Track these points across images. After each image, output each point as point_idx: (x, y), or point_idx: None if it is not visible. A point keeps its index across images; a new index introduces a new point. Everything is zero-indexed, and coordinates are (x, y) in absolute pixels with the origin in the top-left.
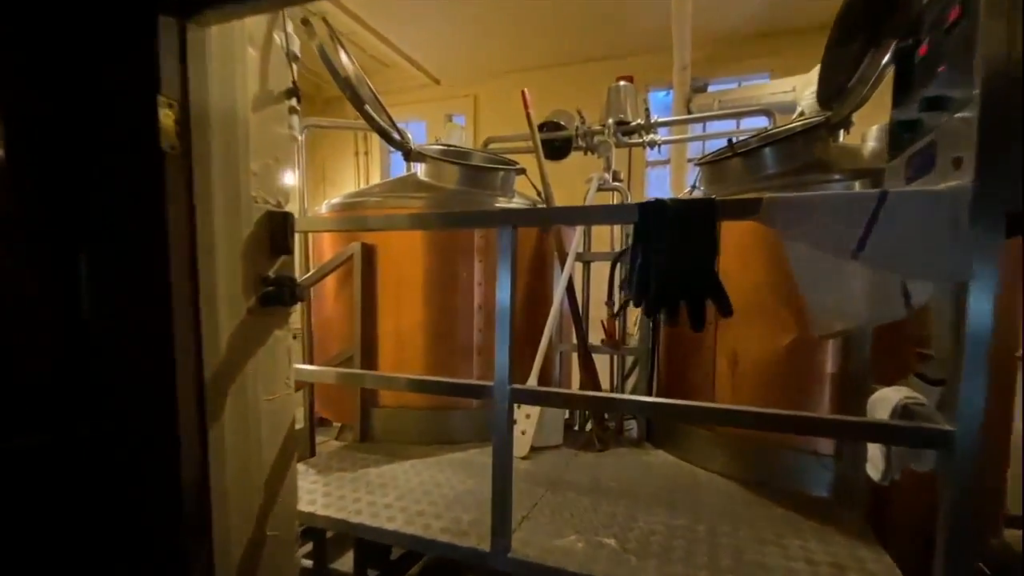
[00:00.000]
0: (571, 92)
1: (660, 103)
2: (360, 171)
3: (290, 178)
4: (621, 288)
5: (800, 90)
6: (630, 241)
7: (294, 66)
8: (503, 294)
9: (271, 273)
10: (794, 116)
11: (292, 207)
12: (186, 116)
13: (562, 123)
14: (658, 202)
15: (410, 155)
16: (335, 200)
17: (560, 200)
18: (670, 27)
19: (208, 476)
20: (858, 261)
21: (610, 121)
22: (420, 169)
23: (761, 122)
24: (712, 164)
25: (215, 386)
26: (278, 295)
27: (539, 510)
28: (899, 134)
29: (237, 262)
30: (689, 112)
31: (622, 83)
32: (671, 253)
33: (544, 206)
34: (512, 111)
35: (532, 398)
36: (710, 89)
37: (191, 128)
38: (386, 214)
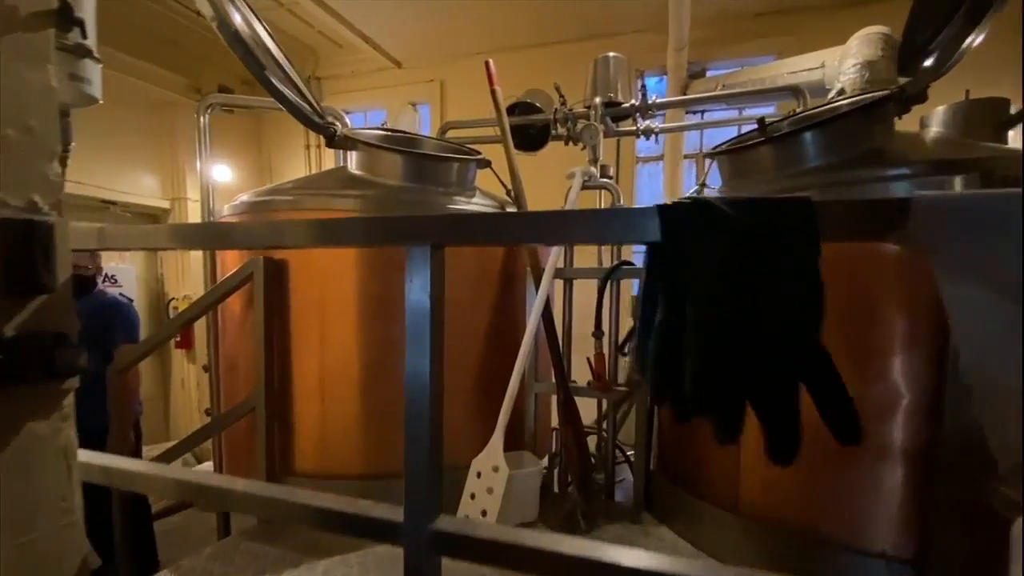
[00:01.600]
0: (550, 76)
1: (652, 90)
2: (310, 167)
3: (56, 166)
4: (624, 350)
5: (834, 65)
6: (643, 276)
7: None
8: (418, 362)
9: (8, 329)
10: (832, 95)
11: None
12: None
13: (537, 104)
14: (698, 205)
15: (334, 141)
16: (239, 199)
17: (534, 201)
18: (664, 3)
19: None
20: None
21: (597, 101)
22: (352, 160)
23: (766, 110)
24: (734, 153)
25: None
26: (19, 367)
27: None
28: None
29: None
30: None
31: (612, 55)
32: (730, 302)
33: (511, 209)
34: (484, 98)
35: (470, 548)
36: (709, 74)
37: None
38: (280, 220)
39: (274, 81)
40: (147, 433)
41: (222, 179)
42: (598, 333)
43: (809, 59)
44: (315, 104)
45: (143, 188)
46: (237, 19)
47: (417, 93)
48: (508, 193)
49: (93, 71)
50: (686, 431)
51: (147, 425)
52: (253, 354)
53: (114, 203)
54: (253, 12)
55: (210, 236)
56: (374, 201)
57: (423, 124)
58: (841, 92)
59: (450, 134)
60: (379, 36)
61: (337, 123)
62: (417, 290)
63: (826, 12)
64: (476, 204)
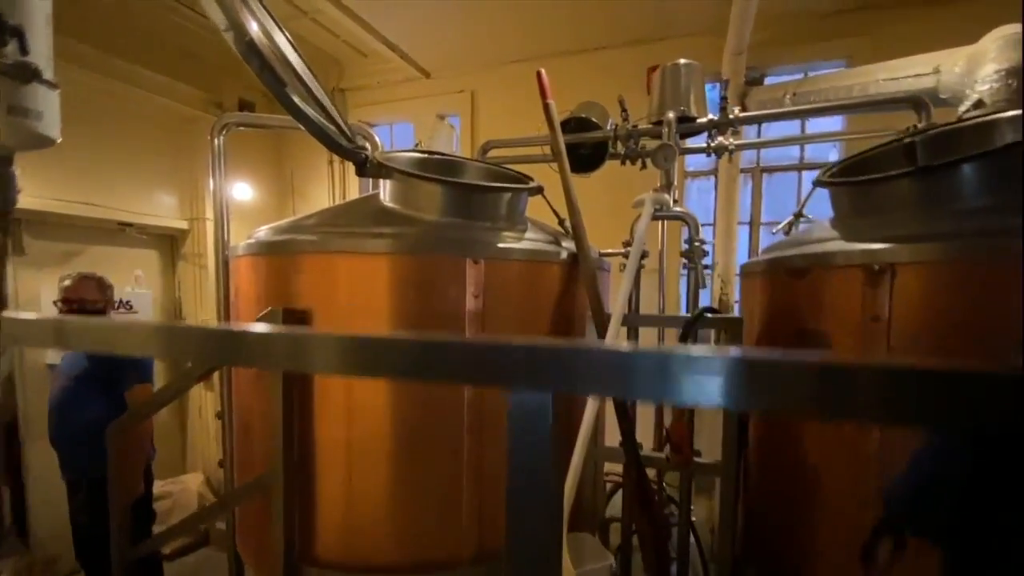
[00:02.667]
0: (592, 84)
1: None
2: (334, 185)
3: None
4: None
5: (953, 71)
6: None
7: None
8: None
9: None
10: (965, 108)
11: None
12: None
13: (593, 120)
14: None
15: (367, 168)
16: (257, 235)
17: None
18: (714, 4)
19: None
20: None
21: (671, 116)
22: (385, 189)
23: (826, 124)
24: (857, 186)
25: None
26: None
27: None
28: None
29: None
30: (744, 109)
31: (683, 62)
32: None
33: (567, 244)
34: (518, 110)
35: None
36: (768, 80)
37: None
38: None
39: (295, 99)
40: (162, 465)
41: (242, 197)
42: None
43: (915, 63)
44: (342, 124)
45: (161, 208)
46: (253, 28)
47: (446, 104)
48: (562, 224)
49: (45, 101)
50: (787, 517)
51: (162, 456)
52: (269, 417)
53: (130, 225)
54: (273, 19)
55: (205, 345)
56: (412, 241)
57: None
58: (979, 104)
59: (492, 154)
60: (406, 44)
61: (367, 145)
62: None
63: (903, 11)
64: (529, 241)
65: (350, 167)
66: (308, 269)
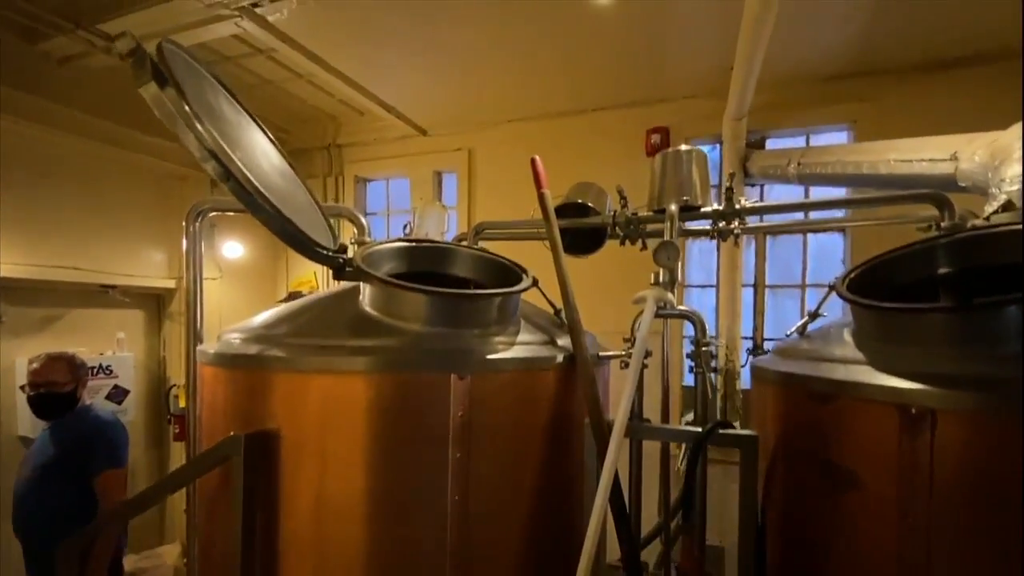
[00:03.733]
0: (590, 145)
1: None
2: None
3: None
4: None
5: (973, 160)
6: None
7: None
8: None
9: None
10: (993, 209)
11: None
12: None
13: (590, 205)
14: None
15: (345, 273)
16: (227, 339)
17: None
18: (717, 67)
19: None
20: None
21: (673, 209)
22: (365, 292)
23: (832, 190)
24: (886, 311)
25: None
26: None
27: None
28: None
29: None
30: (747, 173)
31: (685, 148)
32: None
33: (563, 341)
34: (515, 168)
35: None
36: (770, 143)
37: None
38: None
39: (268, 209)
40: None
41: (232, 256)
42: (690, 520)
43: (930, 145)
44: (328, 222)
45: (147, 267)
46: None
47: (443, 161)
48: (557, 314)
49: None
50: None
51: (139, 524)
52: (230, 550)
53: (113, 287)
54: (259, 125)
55: None
56: (391, 356)
57: (449, 193)
58: (1008, 206)
59: (484, 235)
60: (403, 105)
61: (349, 244)
62: None
63: (908, 76)
64: (521, 346)
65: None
66: (278, 388)
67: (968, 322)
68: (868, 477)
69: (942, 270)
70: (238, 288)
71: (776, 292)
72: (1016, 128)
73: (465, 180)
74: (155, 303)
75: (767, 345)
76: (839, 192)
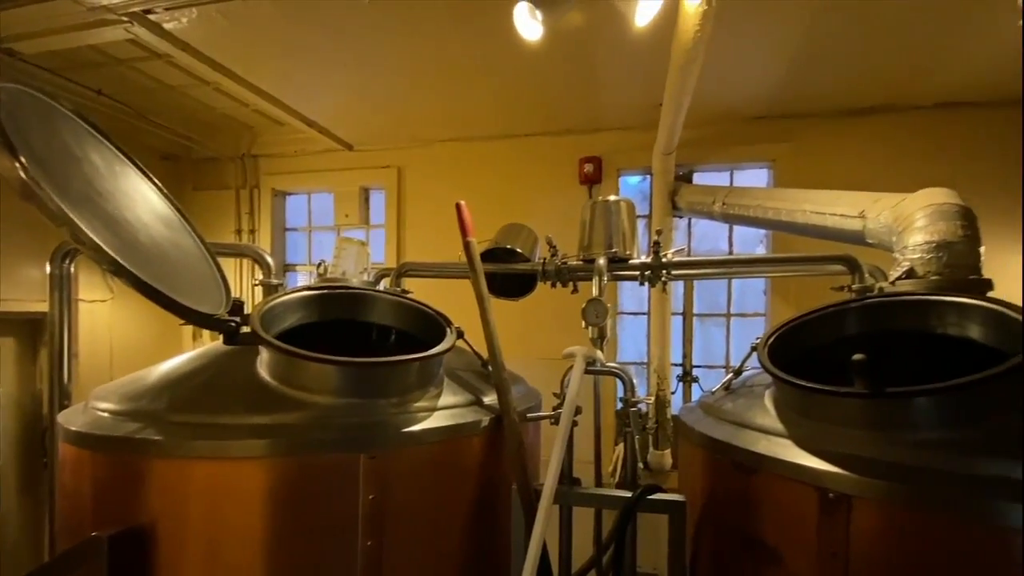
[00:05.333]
0: (522, 170)
1: (632, 189)
2: (245, 269)
3: None
4: None
5: (879, 220)
6: None
7: None
8: None
9: None
10: (898, 276)
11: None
12: None
13: (518, 250)
14: None
15: (235, 339)
16: (93, 408)
17: (520, 352)
18: (648, 102)
19: None
20: None
21: (601, 263)
22: (263, 360)
23: (745, 234)
24: (810, 393)
25: None
26: None
27: None
28: None
29: None
30: (675, 207)
31: (613, 199)
32: None
33: (488, 400)
34: (447, 187)
35: None
36: (696, 177)
37: None
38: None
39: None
40: None
41: None
42: None
43: (843, 201)
44: (221, 274)
45: (19, 288)
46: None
47: (371, 178)
48: (484, 365)
49: None
50: None
51: None
52: None
53: None
54: (138, 167)
55: None
56: (292, 438)
57: (377, 210)
58: (911, 273)
59: (406, 276)
60: (326, 120)
61: (245, 301)
62: None
63: (825, 120)
64: (442, 413)
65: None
66: (155, 477)
67: (882, 408)
68: (788, 555)
69: (854, 332)
70: (133, 309)
71: (704, 321)
72: (916, 196)
73: (394, 197)
74: (30, 329)
75: (696, 372)
76: (760, 233)
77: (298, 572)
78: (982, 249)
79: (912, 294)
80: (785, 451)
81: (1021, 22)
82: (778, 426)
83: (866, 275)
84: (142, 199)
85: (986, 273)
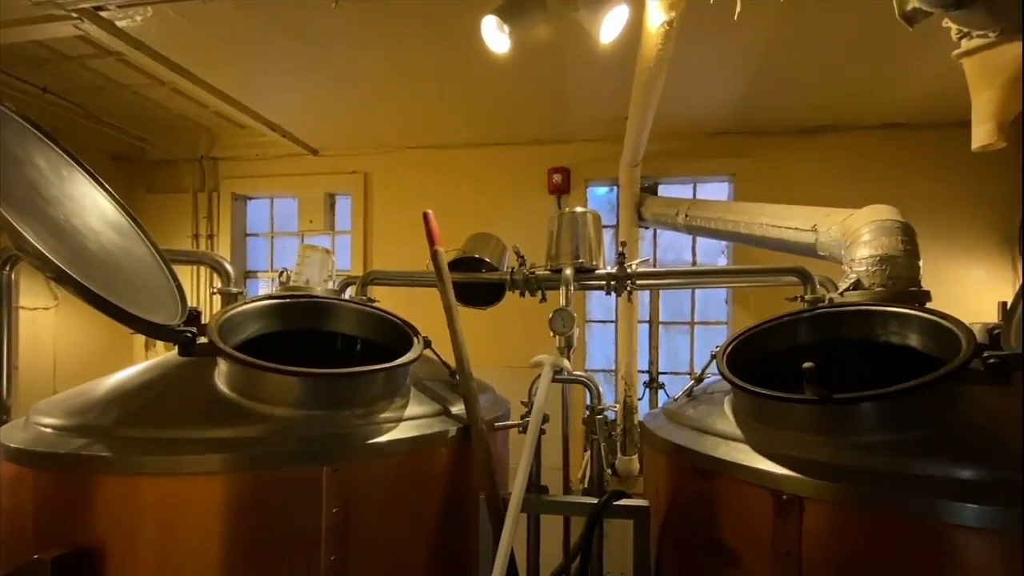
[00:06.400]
0: (490, 178)
1: (600, 199)
2: (203, 277)
3: None
4: None
5: (829, 234)
6: None
7: None
8: None
9: None
10: (845, 287)
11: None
12: None
13: (486, 259)
14: None
15: (194, 349)
16: (34, 422)
17: (488, 359)
18: (615, 116)
19: None
20: None
21: (568, 273)
22: (220, 372)
23: (708, 245)
24: (764, 399)
25: None
26: None
27: None
28: None
29: None
30: (640, 218)
31: (579, 210)
32: None
33: (456, 409)
34: (415, 195)
35: None
36: (661, 189)
37: None
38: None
39: (92, 288)
40: None
41: None
42: None
43: (796, 215)
44: (176, 283)
45: None
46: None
47: (337, 184)
48: (452, 375)
49: None
50: None
51: None
52: None
53: None
54: (87, 171)
55: None
56: (252, 452)
57: (342, 216)
58: (857, 285)
59: (372, 284)
60: (289, 123)
61: (198, 321)
62: None
63: (781, 137)
64: (409, 423)
65: (222, 233)
66: (103, 495)
67: (831, 413)
68: (746, 556)
69: (806, 340)
70: (80, 318)
71: (669, 328)
72: (862, 212)
73: (361, 204)
74: None
75: (662, 378)
76: (722, 244)
77: None
78: (920, 263)
79: (858, 305)
80: (742, 455)
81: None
82: (736, 431)
83: (818, 286)
84: (91, 204)
85: (924, 285)
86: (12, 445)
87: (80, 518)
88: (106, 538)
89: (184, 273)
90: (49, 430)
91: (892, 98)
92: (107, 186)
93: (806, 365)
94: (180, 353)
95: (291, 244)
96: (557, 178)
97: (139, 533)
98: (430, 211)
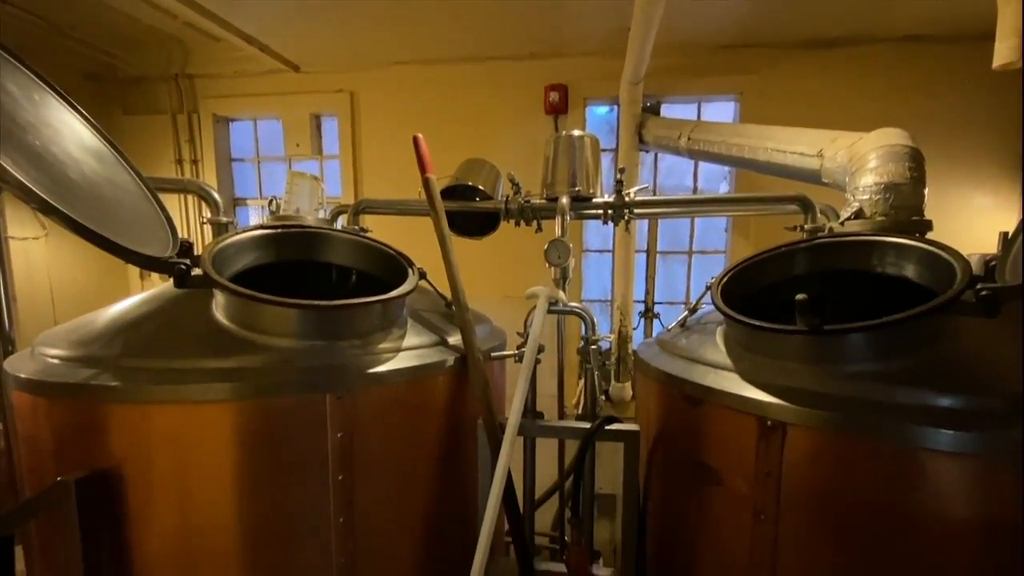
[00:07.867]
0: (485, 95)
1: (599, 120)
2: (191, 206)
3: None
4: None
5: (835, 159)
6: None
7: None
8: None
9: None
10: (847, 216)
11: None
12: None
13: (480, 187)
14: None
15: (188, 281)
16: (41, 354)
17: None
18: (616, 29)
19: None
20: None
21: (564, 202)
22: (217, 303)
23: (711, 171)
24: (755, 330)
25: None
26: None
27: None
28: None
29: None
30: (641, 140)
31: (577, 133)
32: None
33: (453, 340)
34: (405, 115)
35: None
36: (664, 108)
37: None
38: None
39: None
40: None
41: None
42: (577, 515)
43: (802, 140)
44: (165, 213)
45: None
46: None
47: (322, 104)
48: (448, 306)
49: None
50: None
51: None
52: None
53: None
54: (63, 97)
55: None
56: (256, 381)
57: (330, 139)
58: (859, 214)
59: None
60: (266, 37)
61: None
62: None
63: (790, 52)
64: (407, 353)
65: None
66: (115, 423)
67: (820, 343)
68: (729, 477)
69: (803, 271)
70: (71, 248)
71: (666, 258)
72: (871, 137)
73: (348, 125)
74: None
75: (658, 308)
76: (724, 170)
77: (273, 505)
78: (926, 191)
79: (856, 235)
80: (730, 384)
81: None
82: (726, 361)
83: (818, 215)
84: (68, 131)
85: (930, 213)
86: (23, 375)
87: (96, 444)
88: (122, 462)
89: (170, 202)
90: (56, 361)
91: (914, 7)
92: (83, 110)
93: (798, 297)
94: (176, 285)
95: (278, 169)
96: (554, 96)
97: (154, 458)
98: (420, 135)
